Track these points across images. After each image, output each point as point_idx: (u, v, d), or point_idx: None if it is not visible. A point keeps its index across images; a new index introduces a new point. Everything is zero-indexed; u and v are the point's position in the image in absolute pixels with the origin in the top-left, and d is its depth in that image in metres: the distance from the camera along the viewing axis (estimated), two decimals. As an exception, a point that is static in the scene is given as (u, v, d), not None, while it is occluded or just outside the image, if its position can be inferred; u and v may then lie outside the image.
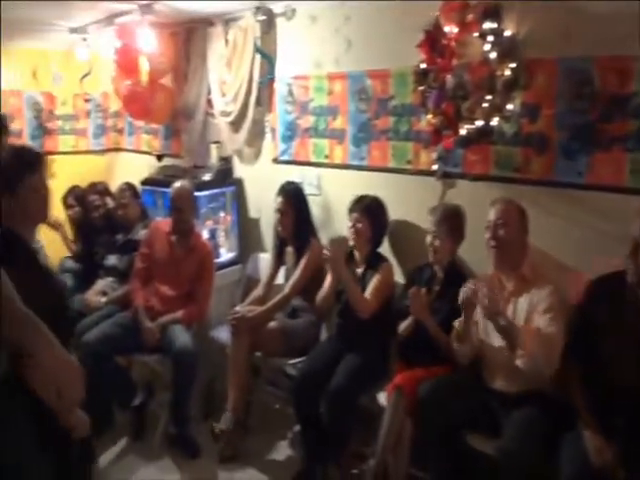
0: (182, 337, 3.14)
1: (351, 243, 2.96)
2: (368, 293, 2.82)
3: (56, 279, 1.97)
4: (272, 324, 3.13)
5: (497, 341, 2.33)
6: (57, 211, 3.89)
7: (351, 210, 2.98)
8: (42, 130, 5.01)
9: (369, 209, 2.95)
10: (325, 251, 2.86)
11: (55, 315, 1.46)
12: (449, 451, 2.38)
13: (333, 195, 3.46)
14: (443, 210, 2.69)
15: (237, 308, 3.21)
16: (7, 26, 4.05)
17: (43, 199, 1.90)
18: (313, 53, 3.47)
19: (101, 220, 4.01)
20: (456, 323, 2.44)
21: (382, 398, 2.65)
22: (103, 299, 3.56)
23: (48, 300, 1.42)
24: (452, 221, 2.67)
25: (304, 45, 3.51)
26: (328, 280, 3.00)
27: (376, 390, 2.73)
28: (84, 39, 4.35)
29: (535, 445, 2.08)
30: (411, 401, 2.44)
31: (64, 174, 4.36)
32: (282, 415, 3.24)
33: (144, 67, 3.84)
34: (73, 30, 4.28)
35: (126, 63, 3.99)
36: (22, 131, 4.95)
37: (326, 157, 3.48)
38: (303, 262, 3.17)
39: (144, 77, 3.89)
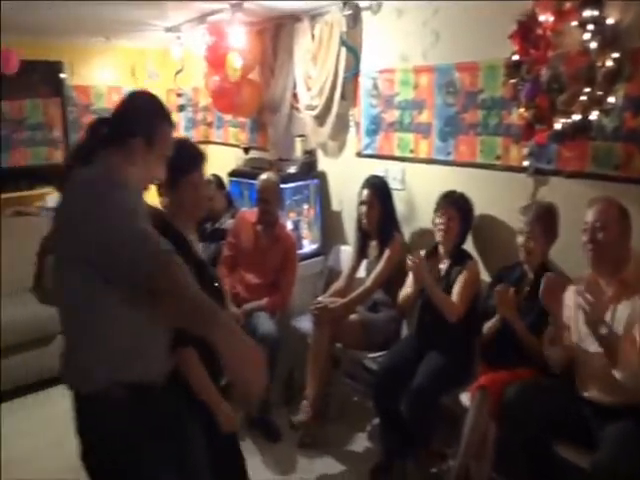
0: (266, 324, 3.13)
1: (438, 238, 2.81)
2: (455, 296, 2.67)
3: (211, 270, 1.99)
4: (353, 316, 3.05)
5: (593, 347, 2.12)
6: (152, 199, 3.95)
7: (439, 205, 2.83)
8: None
9: (458, 205, 2.80)
10: (408, 260, 2.73)
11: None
12: (535, 458, 2.22)
13: (417, 190, 3.31)
14: (537, 209, 2.49)
15: (319, 299, 3.14)
16: (110, 26, 4.18)
17: (201, 196, 1.90)
18: (399, 47, 3.32)
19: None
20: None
21: (465, 398, 2.51)
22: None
23: (206, 291, 1.40)
24: (546, 221, 2.47)
25: (390, 39, 3.37)
26: (410, 279, 2.86)
27: (458, 390, 2.58)
28: (178, 37, 4.39)
29: (632, 462, 1.88)
30: (496, 403, 2.29)
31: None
32: (361, 407, 3.16)
33: (233, 63, 3.84)
34: (168, 29, 4.33)
35: (215, 59, 3.99)
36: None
37: (411, 151, 3.33)
38: (386, 256, 3.05)
39: (232, 72, 3.89)
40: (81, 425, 1.53)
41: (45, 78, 4.74)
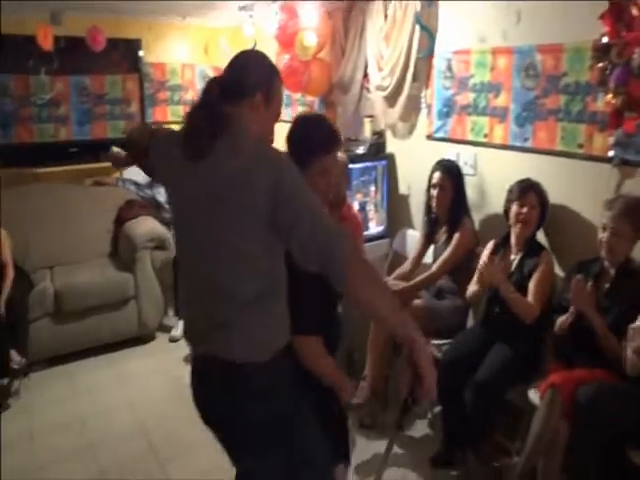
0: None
1: (515, 229, 2.61)
2: (531, 295, 2.47)
3: None
4: (417, 302, 2.91)
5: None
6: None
7: (519, 194, 2.61)
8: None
9: (538, 195, 2.59)
10: (482, 260, 2.55)
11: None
12: (607, 463, 2.04)
13: (489, 176, 3.10)
14: (624, 203, 2.25)
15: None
16: (186, 6, 4.12)
17: (330, 181, 1.73)
18: (477, 27, 3.08)
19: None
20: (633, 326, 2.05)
21: (533, 395, 2.35)
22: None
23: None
24: (634, 216, 2.23)
25: (467, 18, 3.13)
26: (477, 276, 2.66)
27: (525, 385, 2.42)
28: (250, 16, 4.30)
29: None
30: (568, 403, 2.12)
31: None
32: (422, 394, 3.02)
33: (304, 41, 3.70)
34: (241, 8, 4.23)
35: (286, 38, 3.87)
36: (194, 101, 5.05)
37: (485, 136, 3.11)
38: (454, 242, 2.89)
39: (303, 51, 3.76)
40: (238, 387, 1.43)
41: (124, 55, 4.77)
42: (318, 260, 1.33)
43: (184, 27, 4.96)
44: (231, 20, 4.67)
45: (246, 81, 1.48)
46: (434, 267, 2.93)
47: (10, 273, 3.47)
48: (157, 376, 3.58)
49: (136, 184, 4.56)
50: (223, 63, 4.77)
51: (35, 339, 3.52)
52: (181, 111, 5.04)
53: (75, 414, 3.16)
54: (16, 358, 3.24)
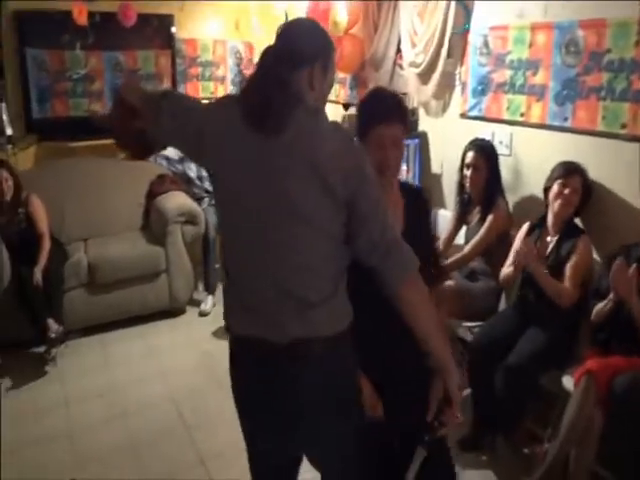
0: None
1: (555, 210, 2.46)
2: (568, 280, 2.34)
3: None
4: (448, 283, 2.79)
5: None
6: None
7: (562, 173, 2.46)
8: (241, 76, 4.96)
9: (581, 176, 2.44)
10: (516, 243, 2.42)
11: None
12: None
13: (525, 157, 2.94)
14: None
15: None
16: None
17: (388, 154, 1.60)
18: (515, 2, 2.89)
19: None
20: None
21: (567, 381, 2.23)
22: None
23: None
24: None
25: (506, -8, 2.94)
26: (512, 258, 2.53)
27: (559, 371, 2.31)
28: (281, -10, 4.14)
29: None
30: (604, 391, 2.01)
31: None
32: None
33: (336, 17, 3.55)
34: (273, -18, 4.06)
35: (318, 14, 3.71)
36: (225, 77, 4.95)
37: (521, 115, 2.94)
38: (487, 224, 2.75)
39: (334, 27, 3.61)
40: (331, 360, 1.35)
41: (157, 31, 4.65)
42: (381, 256, 1.30)
43: (215, 3, 4.83)
44: (263, -5, 4.52)
45: (305, 50, 1.36)
46: (466, 248, 2.81)
47: (47, 244, 3.46)
48: (186, 349, 3.55)
49: (167, 159, 4.49)
50: (254, 39, 4.64)
51: (70, 309, 3.52)
52: (212, 87, 4.94)
53: (108, 383, 3.15)
54: (53, 326, 3.25)
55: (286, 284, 1.31)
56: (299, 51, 1.36)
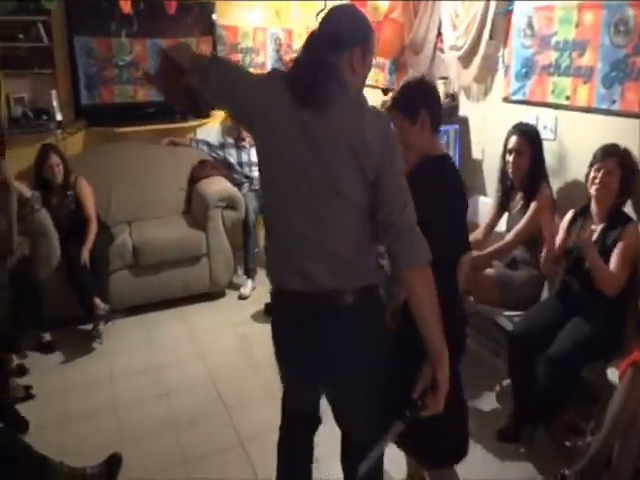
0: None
1: (594, 195, 2.32)
2: (614, 268, 2.19)
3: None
4: (489, 271, 2.67)
5: None
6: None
7: (596, 158, 2.32)
8: (281, 62, 4.88)
9: (621, 160, 2.28)
10: (560, 230, 2.31)
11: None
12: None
13: (571, 141, 2.77)
14: None
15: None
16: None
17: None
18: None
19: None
20: None
21: (611, 374, 2.10)
22: None
23: None
24: None
25: (553, -29, 2.76)
26: (556, 240, 2.41)
27: (603, 363, 2.18)
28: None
29: None
30: (651, 385, 1.88)
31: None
32: (490, 366, 2.81)
33: (375, 2, 3.41)
34: (313, -33, 3.95)
35: (360, -3, 3.57)
36: (265, 63, 4.88)
37: (567, 98, 2.76)
38: (531, 210, 2.60)
39: (374, 11, 3.48)
40: (340, 311, 1.45)
41: (199, 18, 4.59)
42: (395, 235, 1.37)
43: (256, -9, 4.74)
44: (302, -19, 4.40)
45: (346, 35, 1.44)
46: (509, 236, 2.67)
47: (94, 226, 3.50)
48: (225, 331, 3.55)
49: (208, 145, 4.47)
50: (294, 25, 4.53)
51: (115, 289, 3.55)
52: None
53: (150, 361, 3.18)
54: (100, 305, 3.29)
55: (320, 243, 1.42)
56: (341, 35, 1.43)
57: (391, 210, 1.37)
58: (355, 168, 1.36)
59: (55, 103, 4.09)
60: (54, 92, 4.11)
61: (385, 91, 3.88)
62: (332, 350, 1.46)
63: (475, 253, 2.69)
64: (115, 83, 4.44)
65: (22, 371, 3.03)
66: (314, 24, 4.55)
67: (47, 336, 3.31)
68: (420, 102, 1.70)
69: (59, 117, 4.10)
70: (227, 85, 1.48)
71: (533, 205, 2.60)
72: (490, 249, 2.69)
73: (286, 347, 1.59)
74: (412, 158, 1.70)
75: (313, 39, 1.46)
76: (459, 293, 1.79)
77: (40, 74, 4.09)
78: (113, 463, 2.24)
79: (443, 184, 1.68)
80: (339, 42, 1.42)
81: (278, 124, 1.41)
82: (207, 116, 4.56)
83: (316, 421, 1.71)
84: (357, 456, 1.46)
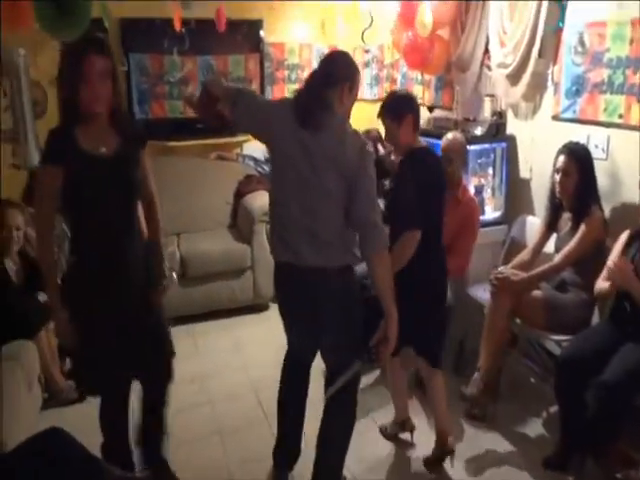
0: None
1: None
2: None
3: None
4: (536, 293, 2.60)
5: None
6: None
7: None
8: (326, 79, 4.91)
9: None
10: (613, 255, 2.22)
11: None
12: None
13: (624, 161, 2.67)
14: None
15: (500, 269, 2.73)
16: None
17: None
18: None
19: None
20: None
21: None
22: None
23: None
24: None
25: (605, -14, 2.68)
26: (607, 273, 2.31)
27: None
28: (368, -9, 4.04)
29: None
30: None
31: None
32: (537, 391, 2.74)
33: (427, 17, 3.40)
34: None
35: (408, 14, 3.57)
36: (310, 80, 4.92)
37: (620, 117, 2.67)
38: (581, 232, 2.53)
39: (422, 28, 3.46)
40: (324, 281, 1.92)
41: (247, 36, 4.69)
42: (365, 228, 1.83)
43: (303, 7, 4.80)
44: (348, -3, 4.43)
45: (338, 74, 1.89)
46: (557, 258, 2.60)
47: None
48: (268, 344, 3.57)
49: (255, 160, 4.54)
50: (339, 42, 4.55)
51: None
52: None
53: (196, 370, 3.23)
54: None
55: (309, 228, 1.87)
56: (334, 74, 1.89)
57: (360, 209, 1.82)
58: (339, 176, 1.81)
59: (110, 118, 4.24)
60: (109, 108, 4.26)
61: (430, 109, 3.86)
62: (319, 306, 1.93)
63: (521, 274, 2.63)
64: (166, 99, 4.58)
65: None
66: (359, 42, 4.61)
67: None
68: (405, 109, 2.20)
69: (113, 132, 4.24)
70: (251, 111, 1.96)
71: (583, 227, 2.53)
72: (537, 270, 2.63)
73: (284, 305, 2.10)
74: (400, 152, 2.29)
75: (312, 76, 1.93)
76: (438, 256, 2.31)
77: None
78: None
79: (424, 167, 2.22)
80: (332, 79, 1.88)
81: (286, 141, 1.87)
82: (231, 135, 4.60)
83: (308, 368, 2.23)
84: (332, 381, 2.00)
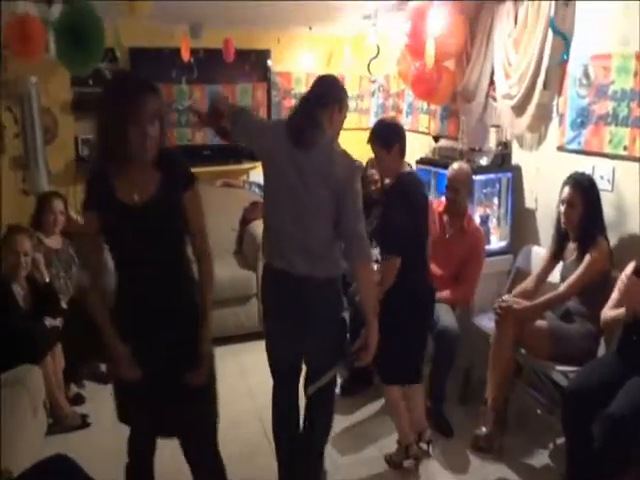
0: (447, 317, 2.88)
1: None
2: None
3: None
4: (542, 323, 2.62)
5: None
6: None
7: None
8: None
9: None
10: (620, 280, 2.25)
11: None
12: None
13: (629, 193, 2.72)
14: None
15: (504, 297, 2.76)
16: (313, 16, 4.08)
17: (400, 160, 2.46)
18: (619, 28, 2.71)
19: (377, 193, 3.84)
20: None
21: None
22: (375, 267, 3.45)
23: None
24: None
25: (608, 19, 2.77)
26: (615, 298, 2.35)
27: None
28: (374, 24, 4.15)
29: None
30: None
31: (347, 148, 4.29)
32: (543, 422, 2.73)
33: (431, 49, 3.50)
34: (365, 17, 4.10)
35: (416, 45, 3.67)
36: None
37: (625, 148, 2.73)
38: (586, 262, 2.56)
39: (430, 59, 3.56)
40: (329, 290, 2.09)
41: (255, 65, 4.82)
42: (350, 241, 1.98)
43: (310, 37, 4.94)
44: (354, 29, 4.56)
45: (328, 96, 2.08)
46: (562, 287, 2.63)
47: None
48: (273, 371, 3.59)
49: (260, 187, 4.61)
50: (345, 72, 4.68)
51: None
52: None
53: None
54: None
55: (303, 243, 2.01)
56: (325, 97, 2.06)
57: (347, 222, 1.96)
58: (329, 192, 1.95)
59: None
60: (118, 134, 4.36)
61: (436, 138, 3.94)
62: (308, 312, 2.05)
63: (525, 303, 2.66)
64: (175, 126, 4.69)
65: (79, 400, 3.15)
66: (365, 72, 4.70)
67: (103, 367, 3.42)
68: (394, 138, 2.42)
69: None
70: (248, 129, 2.16)
71: (588, 257, 2.56)
72: (542, 299, 2.66)
73: (273, 307, 2.19)
74: (388, 176, 2.53)
75: (305, 99, 2.10)
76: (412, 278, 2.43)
77: (107, 117, 4.36)
78: None
79: (410, 194, 2.45)
80: (323, 101, 2.05)
81: (279, 158, 2.01)
82: (238, 162, 4.73)
83: (298, 369, 2.27)
84: (313, 381, 2.14)
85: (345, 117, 2.15)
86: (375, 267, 3.37)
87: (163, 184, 1.70)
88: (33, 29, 2.72)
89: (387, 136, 2.42)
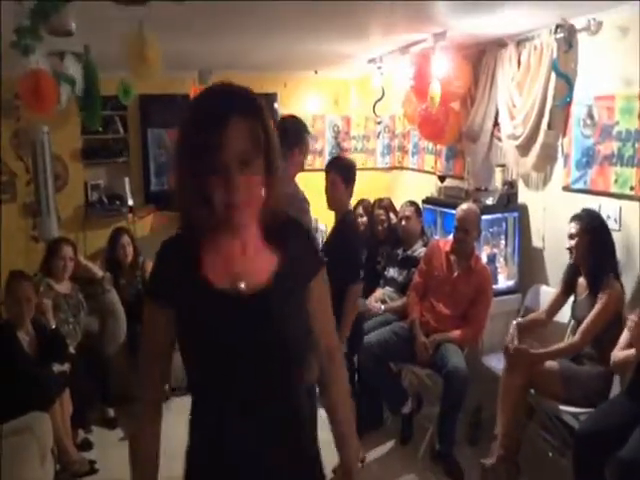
0: (455, 357, 2.93)
1: None
2: None
3: None
4: (551, 364, 2.66)
5: None
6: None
7: None
8: (339, 148, 5.18)
9: None
10: (629, 321, 2.30)
11: None
12: None
13: (637, 232, 2.78)
14: None
15: (515, 341, 2.80)
16: (320, 60, 4.28)
17: None
18: (622, 70, 2.82)
19: (384, 233, 3.95)
20: None
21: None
22: (382, 306, 3.54)
23: None
24: None
25: (610, 61, 2.89)
26: (625, 338, 2.39)
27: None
28: (379, 67, 4.34)
29: None
30: None
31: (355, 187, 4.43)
32: (556, 464, 2.73)
33: (436, 91, 3.65)
34: (370, 60, 4.30)
35: (422, 88, 3.83)
36: (323, 150, 5.19)
37: (631, 189, 2.80)
38: (599, 306, 2.59)
39: (435, 101, 3.71)
40: None
41: (262, 108, 4.99)
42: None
43: (316, 80, 5.14)
44: (360, 72, 4.77)
45: (290, 139, 2.38)
46: (577, 337, 2.64)
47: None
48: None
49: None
50: (351, 113, 4.89)
51: (174, 368, 3.66)
52: (309, 159, 5.18)
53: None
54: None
55: None
56: (287, 139, 2.31)
57: None
58: None
59: (128, 189, 4.52)
60: (127, 179, 4.55)
61: (442, 178, 4.05)
62: None
63: (534, 351, 2.70)
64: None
65: (87, 445, 3.20)
66: (371, 113, 4.88)
67: (111, 412, 3.48)
68: (354, 177, 2.78)
69: (130, 202, 4.52)
70: None
71: (600, 302, 2.59)
72: (555, 348, 2.70)
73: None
74: (337, 209, 2.80)
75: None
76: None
77: (115, 163, 4.55)
78: None
79: (355, 230, 2.94)
80: (286, 144, 2.26)
81: None
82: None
83: None
84: None
85: (307, 154, 2.51)
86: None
87: (282, 263, 1.18)
88: (45, 84, 2.81)
89: (350, 172, 2.77)
